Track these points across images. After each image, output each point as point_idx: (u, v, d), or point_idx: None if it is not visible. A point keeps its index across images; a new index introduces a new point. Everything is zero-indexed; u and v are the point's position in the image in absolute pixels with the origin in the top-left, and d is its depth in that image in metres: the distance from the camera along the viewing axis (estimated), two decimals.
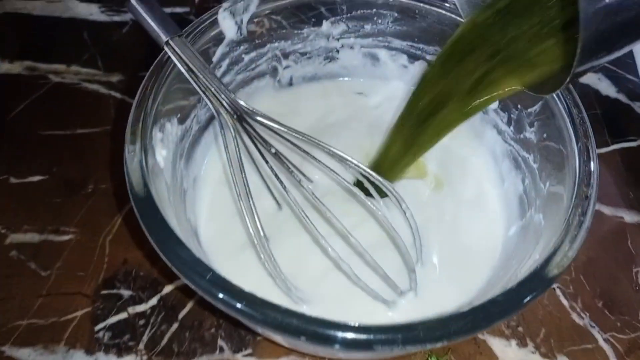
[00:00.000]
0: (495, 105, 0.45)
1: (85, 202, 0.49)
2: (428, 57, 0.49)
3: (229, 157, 0.38)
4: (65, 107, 0.56)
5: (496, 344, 0.42)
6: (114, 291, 0.44)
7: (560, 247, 0.31)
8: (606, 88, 0.60)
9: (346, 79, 0.53)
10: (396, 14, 0.46)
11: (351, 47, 0.50)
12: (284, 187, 0.38)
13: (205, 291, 0.29)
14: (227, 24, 0.43)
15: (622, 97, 0.59)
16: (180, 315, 0.43)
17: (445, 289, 0.39)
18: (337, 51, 0.50)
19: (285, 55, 0.49)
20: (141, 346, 0.41)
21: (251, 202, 0.36)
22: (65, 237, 0.47)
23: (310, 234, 0.40)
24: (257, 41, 0.46)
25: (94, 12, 0.65)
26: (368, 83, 0.53)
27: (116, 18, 0.64)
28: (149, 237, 0.31)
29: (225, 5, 0.42)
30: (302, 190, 0.39)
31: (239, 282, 0.29)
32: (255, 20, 0.45)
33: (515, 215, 0.42)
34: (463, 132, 0.47)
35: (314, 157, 0.39)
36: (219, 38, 0.43)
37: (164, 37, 0.37)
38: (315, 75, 0.52)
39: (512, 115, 0.44)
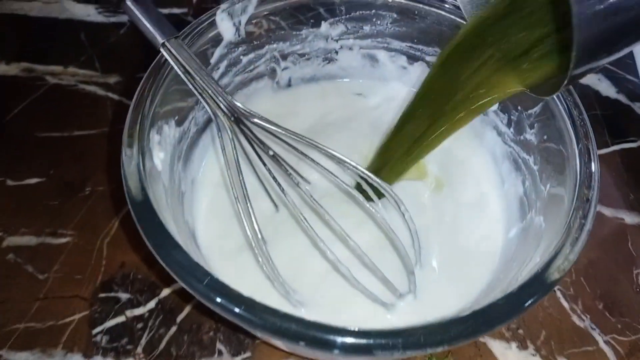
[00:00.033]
0: (495, 106, 0.45)
1: (83, 205, 0.49)
2: (427, 58, 0.48)
3: (226, 159, 0.38)
4: (62, 108, 0.56)
5: (496, 346, 0.42)
6: (112, 294, 0.44)
7: (561, 250, 0.30)
8: (606, 89, 0.60)
9: (345, 80, 0.53)
10: (395, 15, 0.46)
11: (350, 48, 0.50)
12: (282, 190, 0.38)
13: (203, 296, 0.29)
14: (225, 26, 0.43)
15: (622, 98, 0.59)
16: (179, 319, 0.43)
17: (445, 292, 0.39)
18: (336, 52, 0.50)
19: (284, 57, 0.49)
20: (139, 350, 0.41)
21: (249, 204, 0.35)
22: (63, 240, 0.47)
23: (309, 236, 0.40)
24: (255, 42, 0.46)
25: (91, 13, 0.65)
26: (367, 84, 0.53)
27: (113, 19, 0.64)
28: (147, 241, 0.31)
29: (223, 6, 0.42)
30: (300, 192, 0.39)
31: (237, 285, 0.29)
32: (254, 21, 0.44)
33: (515, 217, 0.42)
34: (463, 133, 0.47)
35: (311, 159, 0.39)
36: (217, 39, 0.43)
37: (160, 39, 0.37)
38: (314, 76, 0.52)
39: (512, 117, 0.44)
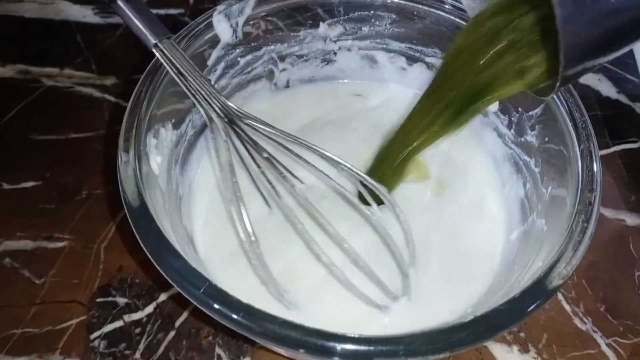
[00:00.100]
0: (495, 107, 0.45)
1: (80, 208, 0.48)
2: (427, 59, 0.48)
3: (219, 161, 0.38)
4: (58, 111, 0.55)
5: (498, 350, 0.42)
6: (110, 299, 0.44)
7: (563, 255, 0.30)
8: (607, 89, 0.60)
9: (345, 81, 0.53)
10: (394, 16, 0.46)
11: (349, 50, 0.49)
12: (276, 192, 0.37)
13: (201, 302, 0.29)
14: (222, 27, 0.42)
15: (622, 98, 0.59)
16: (177, 323, 0.42)
17: (446, 295, 0.39)
18: (335, 53, 0.50)
19: (282, 58, 0.48)
20: (137, 355, 0.41)
21: (241, 205, 0.35)
22: (60, 244, 0.46)
23: (305, 239, 0.39)
24: (253, 44, 0.46)
25: (87, 15, 0.64)
26: (366, 85, 0.52)
27: (110, 20, 0.64)
28: (144, 248, 0.30)
29: (220, 8, 0.42)
30: (296, 194, 0.38)
31: (237, 289, 0.29)
32: (251, 22, 0.44)
33: (516, 220, 0.42)
34: (463, 135, 0.47)
35: (306, 161, 0.38)
36: (215, 41, 0.43)
37: (152, 39, 0.36)
38: (312, 77, 0.51)
39: (512, 118, 0.44)
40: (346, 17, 0.46)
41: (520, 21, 0.32)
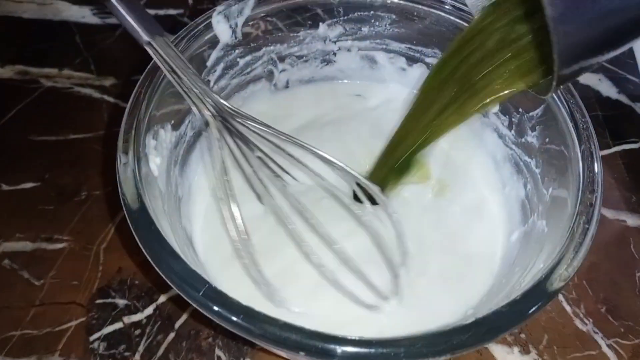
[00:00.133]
0: (495, 108, 0.45)
1: (79, 209, 0.48)
2: (427, 59, 0.48)
3: (212, 159, 0.37)
4: (57, 112, 0.55)
5: (498, 351, 0.42)
6: (109, 300, 0.43)
7: (564, 256, 0.30)
8: (607, 89, 0.60)
9: (344, 81, 0.52)
10: (394, 16, 0.46)
11: (348, 50, 0.49)
12: (268, 192, 0.37)
13: (201, 305, 0.29)
14: (222, 28, 0.42)
15: (623, 98, 0.59)
16: (177, 325, 0.42)
17: (446, 296, 0.39)
18: (334, 54, 0.49)
19: (281, 59, 0.48)
20: (137, 356, 0.41)
21: (232, 203, 0.35)
22: (59, 245, 0.46)
23: (294, 239, 0.39)
24: (252, 45, 0.45)
25: (86, 15, 0.64)
26: (366, 85, 0.52)
27: (109, 21, 0.63)
28: (143, 249, 0.30)
29: (219, 8, 0.41)
30: (287, 194, 0.38)
31: (237, 291, 0.29)
32: (250, 23, 0.44)
33: (517, 221, 0.41)
34: (463, 135, 0.47)
35: (299, 161, 0.38)
36: (214, 41, 0.43)
37: (145, 37, 0.36)
38: (312, 78, 0.51)
39: (513, 119, 0.43)
40: (346, 17, 0.46)
41: (516, 21, 0.32)
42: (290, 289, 0.37)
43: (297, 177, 0.43)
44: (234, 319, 0.28)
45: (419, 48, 0.48)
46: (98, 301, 0.43)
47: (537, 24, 0.31)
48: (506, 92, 0.34)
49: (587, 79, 0.60)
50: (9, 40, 0.62)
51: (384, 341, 0.27)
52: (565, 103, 0.37)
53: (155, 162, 0.36)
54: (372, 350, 0.27)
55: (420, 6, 0.44)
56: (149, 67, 0.38)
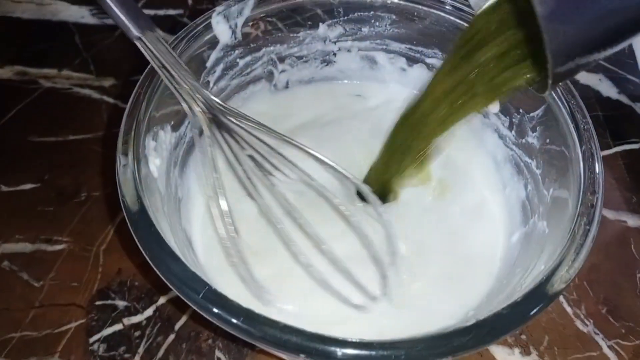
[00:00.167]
0: (496, 109, 0.44)
1: (78, 211, 0.48)
2: (427, 60, 0.48)
3: (202, 157, 0.37)
4: (56, 113, 0.55)
5: (499, 352, 0.42)
6: (109, 302, 0.43)
7: (565, 258, 0.30)
8: (607, 89, 0.59)
9: (344, 81, 0.52)
10: (394, 17, 0.45)
11: (348, 50, 0.49)
12: (257, 190, 0.37)
13: (201, 307, 0.29)
14: (221, 28, 0.42)
15: (623, 99, 0.59)
16: (177, 326, 0.42)
17: (446, 297, 0.39)
18: (334, 54, 0.49)
19: (281, 59, 0.48)
20: (137, 358, 0.41)
21: (221, 200, 0.35)
22: (58, 247, 0.46)
23: (283, 238, 0.39)
24: (252, 45, 0.45)
25: (85, 15, 0.64)
26: (366, 85, 0.52)
27: (108, 21, 0.63)
28: (143, 251, 0.30)
29: (218, 9, 0.41)
30: (276, 193, 0.38)
31: (237, 293, 0.28)
32: (250, 23, 0.44)
33: (517, 222, 0.41)
34: (463, 136, 0.47)
35: (289, 160, 0.38)
36: (214, 42, 0.42)
37: (135, 32, 0.35)
38: (312, 78, 0.51)
39: (513, 120, 0.43)
40: (346, 17, 0.46)
41: (514, 21, 0.32)
42: (286, 289, 0.37)
43: (288, 176, 0.42)
44: (234, 321, 0.28)
45: (419, 48, 0.48)
46: (98, 303, 0.43)
47: (534, 23, 0.31)
48: (505, 89, 0.34)
49: (587, 79, 0.60)
50: (8, 40, 0.62)
51: (385, 343, 0.27)
52: (566, 103, 0.37)
53: (155, 164, 0.36)
54: (373, 353, 0.27)
55: (420, 6, 0.44)
56: (148, 67, 0.37)
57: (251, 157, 0.38)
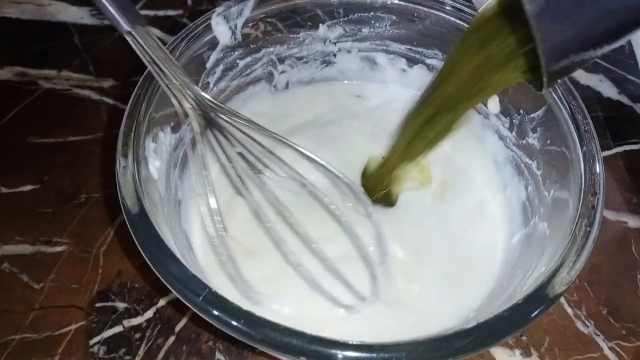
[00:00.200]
0: (496, 110, 0.44)
1: (78, 212, 0.48)
2: (427, 60, 0.48)
3: (192, 155, 0.37)
4: (56, 114, 0.55)
5: (500, 353, 0.42)
6: (109, 304, 0.43)
7: (566, 260, 0.30)
8: (607, 90, 0.59)
9: (344, 82, 0.52)
10: (394, 17, 0.45)
11: (348, 51, 0.49)
12: (247, 188, 0.37)
13: (201, 309, 0.28)
14: (221, 29, 0.42)
15: (624, 99, 0.59)
16: (177, 328, 0.42)
17: (447, 299, 0.39)
18: (334, 55, 0.49)
19: (281, 60, 0.48)
20: None
21: (210, 197, 0.34)
22: (58, 249, 0.46)
23: (272, 237, 0.39)
24: (252, 46, 0.45)
25: (84, 16, 0.64)
26: (367, 86, 0.52)
27: (108, 22, 0.63)
28: (143, 254, 0.30)
29: (218, 10, 0.41)
30: (266, 192, 0.38)
31: (237, 294, 0.28)
32: (250, 24, 0.44)
33: (518, 223, 0.41)
34: (464, 137, 0.47)
35: (280, 158, 0.38)
36: (214, 43, 0.42)
37: (125, 26, 0.34)
38: (312, 79, 0.51)
39: (514, 121, 0.43)
40: (346, 18, 0.46)
41: (511, 19, 0.32)
42: (285, 289, 0.37)
43: (279, 174, 0.42)
44: (235, 323, 0.28)
45: (420, 49, 0.47)
46: (98, 304, 0.43)
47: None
48: (502, 85, 0.33)
49: (587, 79, 0.60)
50: (7, 41, 0.62)
51: (385, 345, 0.27)
52: (566, 104, 0.37)
53: (155, 165, 0.36)
54: (374, 355, 0.27)
55: (420, 7, 0.44)
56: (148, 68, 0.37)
57: (242, 155, 0.37)
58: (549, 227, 0.36)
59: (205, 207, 0.35)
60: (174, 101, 0.36)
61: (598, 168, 0.34)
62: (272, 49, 0.47)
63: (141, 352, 0.41)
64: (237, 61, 0.45)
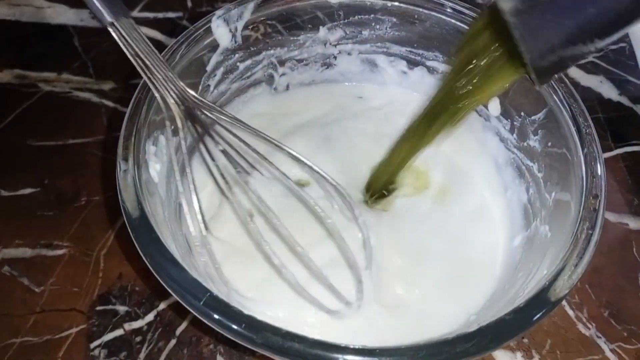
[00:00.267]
0: (497, 111, 0.44)
1: (79, 215, 0.48)
2: (427, 62, 0.48)
3: (175, 150, 0.36)
4: (56, 116, 0.55)
5: (501, 356, 0.42)
6: (110, 307, 0.43)
7: (568, 263, 0.30)
8: (608, 91, 0.59)
9: (345, 83, 0.52)
10: (394, 20, 0.45)
11: (349, 53, 0.49)
12: (229, 188, 0.36)
13: (202, 313, 0.29)
14: (221, 32, 0.42)
15: (624, 100, 0.59)
16: (178, 331, 0.42)
17: (448, 301, 0.39)
18: (335, 57, 0.49)
19: (282, 63, 0.48)
20: None
21: (193, 196, 0.34)
22: (59, 252, 0.46)
23: (255, 238, 0.38)
24: (252, 49, 0.45)
25: (84, 18, 0.64)
26: (368, 87, 0.52)
27: None
28: (144, 258, 0.30)
29: (218, 12, 0.41)
30: (249, 192, 0.37)
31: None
32: (250, 27, 0.44)
33: (519, 226, 0.41)
34: (465, 139, 0.47)
35: (264, 157, 0.37)
36: (214, 45, 0.42)
37: (108, 18, 0.33)
38: (312, 81, 0.51)
39: (515, 123, 0.43)
40: (346, 20, 0.46)
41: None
42: (279, 292, 0.37)
43: (263, 174, 0.42)
44: (236, 327, 0.28)
45: (420, 51, 0.47)
46: (98, 308, 0.43)
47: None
48: (500, 82, 0.33)
49: (588, 81, 0.60)
50: (7, 44, 0.62)
51: (387, 349, 0.27)
52: (567, 106, 0.37)
53: (155, 169, 0.36)
54: (375, 359, 0.26)
55: (420, 9, 0.44)
56: None
57: (226, 152, 0.37)
58: (551, 229, 0.36)
59: (186, 205, 0.34)
60: (157, 95, 0.35)
61: (599, 170, 0.34)
62: (272, 51, 0.47)
63: (142, 355, 0.41)
64: (238, 64, 0.45)
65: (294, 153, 0.36)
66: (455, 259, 0.41)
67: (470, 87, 0.34)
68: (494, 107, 0.45)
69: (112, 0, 0.34)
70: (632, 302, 0.45)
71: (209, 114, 0.36)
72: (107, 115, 0.55)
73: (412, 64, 0.49)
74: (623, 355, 0.42)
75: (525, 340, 0.42)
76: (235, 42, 0.43)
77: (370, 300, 0.37)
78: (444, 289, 0.39)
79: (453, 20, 0.43)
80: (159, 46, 0.36)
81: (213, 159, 0.37)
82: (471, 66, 0.33)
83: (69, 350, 0.41)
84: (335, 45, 0.48)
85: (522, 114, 0.42)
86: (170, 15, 0.65)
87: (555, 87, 0.38)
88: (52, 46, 0.61)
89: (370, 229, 0.38)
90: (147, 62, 0.35)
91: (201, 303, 0.28)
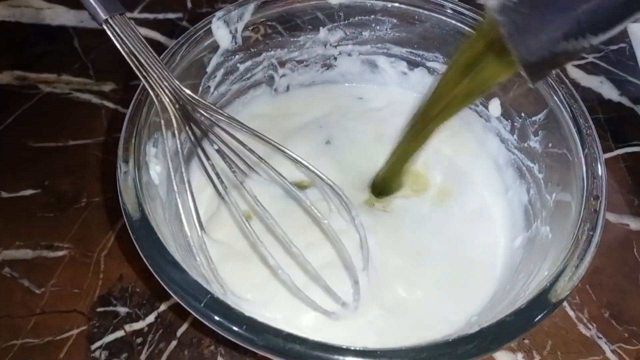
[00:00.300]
0: (497, 112, 0.44)
1: (79, 216, 0.48)
2: (428, 63, 0.48)
3: (172, 152, 0.36)
4: (56, 118, 0.55)
5: (502, 357, 0.42)
6: (110, 308, 0.43)
7: (569, 264, 0.30)
8: (608, 91, 0.59)
9: (345, 84, 0.52)
10: (395, 20, 0.45)
11: (349, 54, 0.49)
12: (224, 187, 0.36)
13: (203, 315, 0.29)
14: (221, 33, 0.42)
15: (625, 101, 0.59)
16: (179, 333, 0.42)
17: (449, 302, 0.39)
18: (335, 58, 0.49)
19: (282, 64, 0.48)
20: None
21: (189, 196, 0.34)
22: (60, 253, 0.46)
23: (250, 239, 0.38)
24: (252, 50, 0.45)
25: (84, 20, 0.64)
26: (368, 88, 0.52)
27: None
28: (145, 260, 0.30)
29: (218, 14, 0.41)
30: (244, 192, 0.37)
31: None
32: (251, 28, 0.44)
33: (520, 227, 0.41)
34: (465, 140, 0.47)
35: (260, 157, 0.37)
36: (214, 46, 0.42)
37: (102, 15, 0.33)
38: (312, 82, 0.51)
39: (515, 124, 0.43)
40: (346, 21, 0.46)
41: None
42: (279, 294, 0.37)
43: (259, 174, 0.42)
44: (236, 329, 0.28)
45: (420, 52, 0.47)
46: (99, 309, 0.43)
47: None
48: (497, 81, 0.33)
49: (588, 81, 0.60)
50: (7, 45, 0.62)
51: (388, 351, 0.27)
52: (568, 107, 0.37)
53: (156, 170, 0.36)
54: None
55: (421, 10, 0.44)
56: None
57: (221, 152, 0.36)
58: (551, 230, 0.36)
59: (181, 206, 0.34)
60: (151, 93, 0.35)
61: (600, 171, 0.34)
62: (272, 52, 0.47)
63: (143, 356, 0.41)
64: (238, 65, 0.45)
65: (291, 154, 0.36)
66: (455, 259, 0.41)
67: (467, 87, 0.34)
68: (495, 108, 0.45)
69: None
70: (633, 302, 0.44)
71: (205, 113, 0.36)
72: (108, 117, 0.55)
73: (413, 64, 0.49)
74: (624, 356, 0.42)
75: (526, 341, 0.42)
76: (236, 43, 0.43)
77: (370, 301, 0.37)
78: (445, 290, 0.39)
79: (453, 21, 0.43)
80: (159, 47, 0.36)
81: (210, 160, 0.37)
82: (468, 67, 0.33)
83: (70, 352, 0.41)
84: (335, 46, 0.48)
85: (523, 114, 0.42)
86: (170, 16, 0.65)
87: (556, 87, 0.38)
88: (52, 47, 0.61)
89: (369, 230, 0.38)
90: (142, 60, 0.34)
91: (202, 305, 0.28)
